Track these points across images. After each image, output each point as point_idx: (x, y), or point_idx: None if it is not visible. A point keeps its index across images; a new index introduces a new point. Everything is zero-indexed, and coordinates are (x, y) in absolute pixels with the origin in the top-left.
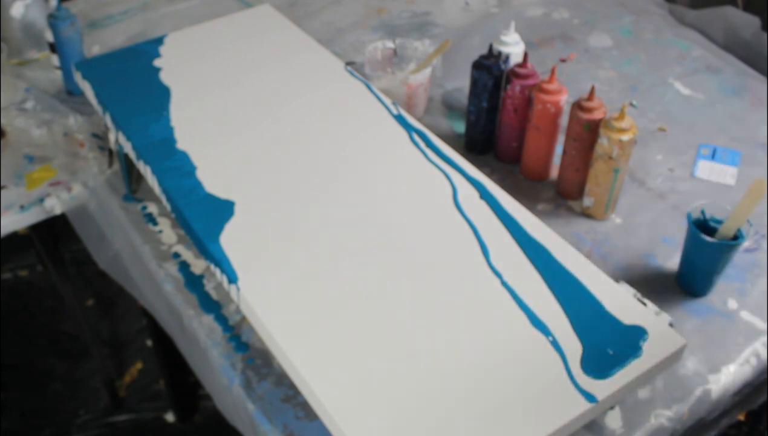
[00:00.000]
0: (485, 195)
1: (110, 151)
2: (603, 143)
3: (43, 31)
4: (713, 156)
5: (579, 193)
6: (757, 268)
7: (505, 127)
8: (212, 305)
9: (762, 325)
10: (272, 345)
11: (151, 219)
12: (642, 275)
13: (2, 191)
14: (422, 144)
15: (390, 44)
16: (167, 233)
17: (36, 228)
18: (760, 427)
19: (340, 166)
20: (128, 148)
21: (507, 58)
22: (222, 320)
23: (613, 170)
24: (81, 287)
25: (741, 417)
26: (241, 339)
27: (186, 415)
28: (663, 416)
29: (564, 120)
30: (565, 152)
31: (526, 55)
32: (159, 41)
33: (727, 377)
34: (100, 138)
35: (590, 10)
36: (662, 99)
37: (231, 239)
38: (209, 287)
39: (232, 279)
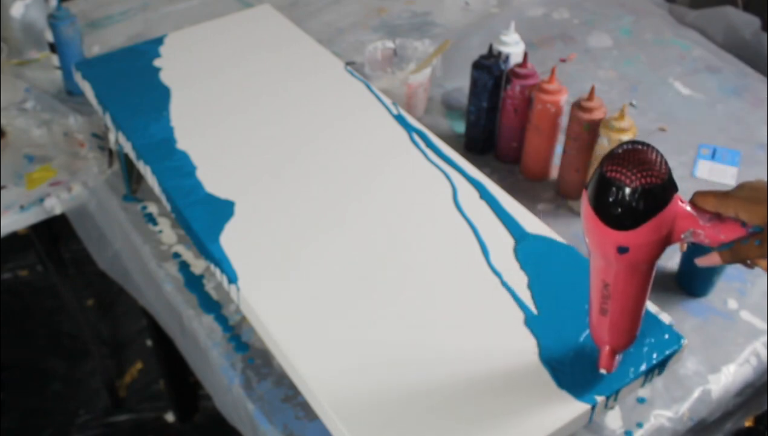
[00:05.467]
0: (485, 195)
1: (110, 151)
2: (603, 143)
3: (43, 31)
4: (713, 156)
5: (579, 194)
6: (756, 268)
7: (505, 127)
8: (212, 305)
9: (762, 325)
10: (272, 345)
11: (151, 219)
12: None
13: (2, 191)
14: (422, 144)
15: (390, 44)
16: (167, 233)
17: (36, 228)
18: (760, 427)
19: (340, 167)
20: (128, 148)
21: (507, 58)
22: (222, 320)
23: None
24: (81, 287)
25: (749, 423)
26: (241, 339)
27: (186, 415)
28: (663, 416)
29: (564, 120)
30: (565, 152)
31: (526, 55)
32: (159, 41)
33: (727, 377)
34: (100, 138)
35: (590, 10)
36: (662, 99)
37: (231, 239)
38: (209, 287)
39: (232, 279)
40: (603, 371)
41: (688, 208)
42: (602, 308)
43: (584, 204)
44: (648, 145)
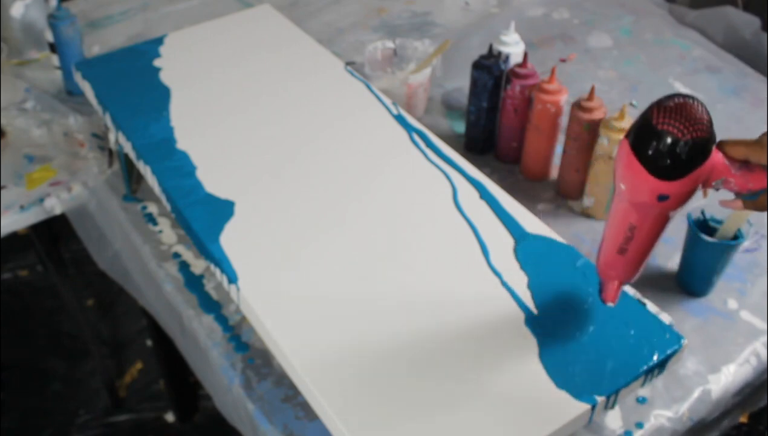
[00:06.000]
0: (485, 195)
1: (110, 151)
2: (603, 143)
3: (43, 31)
4: None
5: (579, 193)
6: (757, 268)
7: (505, 127)
8: (212, 305)
9: (762, 325)
10: (272, 345)
11: (151, 219)
12: (642, 275)
13: (2, 191)
14: (422, 144)
15: (390, 44)
16: (167, 233)
17: (36, 228)
18: (760, 427)
19: (340, 166)
20: (128, 148)
21: (507, 58)
22: (222, 320)
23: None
24: (81, 287)
25: (743, 419)
26: (241, 339)
27: (186, 415)
28: (663, 416)
29: (564, 120)
30: (565, 152)
31: (526, 55)
32: (159, 41)
33: (727, 377)
34: (100, 138)
35: (590, 10)
36: None
37: (231, 239)
38: (209, 287)
39: (232, 279)
40: (609, 303)
41: (724, 159)
42: (621, 248)
43: (625, 152)
44: (695, 99)
